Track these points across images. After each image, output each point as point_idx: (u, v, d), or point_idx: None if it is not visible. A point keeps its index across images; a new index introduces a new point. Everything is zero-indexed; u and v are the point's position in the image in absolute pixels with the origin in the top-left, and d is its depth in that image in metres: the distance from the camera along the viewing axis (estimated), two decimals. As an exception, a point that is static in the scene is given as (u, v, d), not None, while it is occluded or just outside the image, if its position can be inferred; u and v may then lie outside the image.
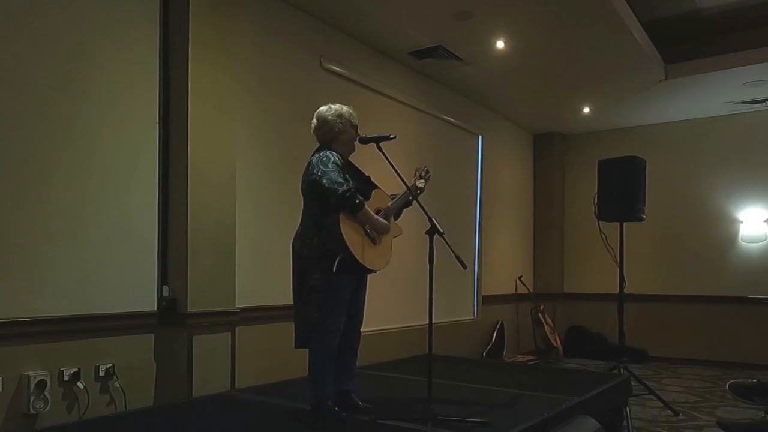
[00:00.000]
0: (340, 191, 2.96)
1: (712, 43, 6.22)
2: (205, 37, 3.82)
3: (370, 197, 3.21)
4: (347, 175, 3.08)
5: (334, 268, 3.01)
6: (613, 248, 5.22)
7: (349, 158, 3.32)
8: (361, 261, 3.05)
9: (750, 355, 7.29)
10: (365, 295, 3.39)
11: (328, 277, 3.05)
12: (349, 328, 3.27)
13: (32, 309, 3.12)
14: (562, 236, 8.94)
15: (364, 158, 3.44)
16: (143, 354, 3.65)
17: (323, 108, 3.30)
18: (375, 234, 3.16)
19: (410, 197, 3.31)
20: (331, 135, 3.23)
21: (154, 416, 3.33)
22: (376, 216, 3.14)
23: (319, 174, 3.02)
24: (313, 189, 3.09)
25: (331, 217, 3.03)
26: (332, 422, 3.08)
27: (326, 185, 2.98)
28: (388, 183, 3.41)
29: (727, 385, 4.20)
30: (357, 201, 3.01)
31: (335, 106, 3.29)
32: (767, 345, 7.17)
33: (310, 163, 3.17)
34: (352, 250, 3.01)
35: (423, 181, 3.41)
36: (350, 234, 3.03)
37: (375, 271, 3.25)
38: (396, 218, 3.42)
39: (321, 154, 3.14)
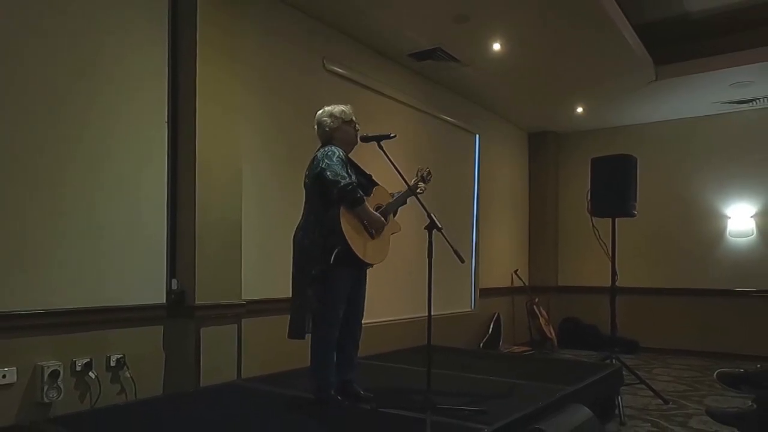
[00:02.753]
0: (342, 183, 2.97)
1: (701, 46, 6.20)
2: (211, 39, 3.81)
3: (371, 193, 3.21)
4: (350, 170, 3.10)
5: (332, 259, 3.01)
6: (605, 243, 5.20)
7: (352, 157, 3.31)
8: (359, 255, 3.05)
9: (737, 346, 7.28)
10: (365, 289, 3.39)
11: (328, 269, 3.05)
12: (350, 320, 3.27)
13: (46, 301, 3.11)
14: (556, 231, 8.93)
15: (366, 157, 3.44)
16: (153, 345, 3.64)
17: (319, 111, 3.35)
18: (373, 229, 3.15)
19: (410, 195, 3.27)
20: (327, 135, 3.28)
21: (163, 405, 3.32)
22: (374, 212, 3.14)
23: (323, 166, 3.04)
24: (316, 182, 3.10)
25: (331, 210, 3.03)
26: (334, 410, 3.07)
27: (330, 177, 2.99)
28: (388, 181, 3.40)
29: (715, 374, 4.19)
30: (358, 195, 3.01)
31: (329, 108, 3.32)
32: (753, 336, 7.16)
33: (315, 158, 3.18)
34: (350, 243, 3.01)
35: (423, 184, 3.37)
36: (349, 228, 3.03)
37: (372, 265, 3.25)
38: (394, 216, 3.41)
39: (326, 148, 3.17)
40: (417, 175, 3.38)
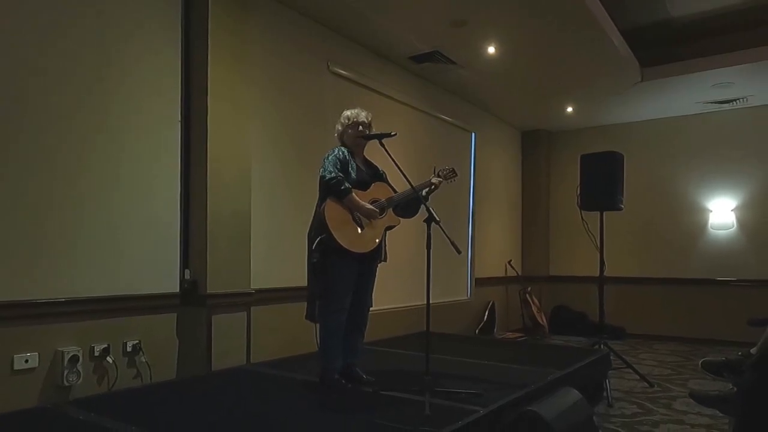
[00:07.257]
0: (327, 178, 3.06)
1: (684, 49, 6.17)
2: (223, 43, 3.78)
3: (368, 189, 3.21)
4: (341, 167, 3.13)
5: (314, 246, 3.05)
6: (594, 235, 5.18)
7: (367, 156, 3.38)
8: (340, 242, 3.02)
9: (718, 332, 7.26)
10: (373, 282, 3.35)
11: (325, 258, 3.06)
12: (356, 310, 3.25)
13: (66, 290, 3.11)
14: (548, 224, 8.89)
15: (370, 155, 3.42)
16: (167, 331, 3.63)
17: None
18: (363, 220, 3.13)
19: (413, 195, 3.21)
20: (339, 139, 3.35)
21: (177, 388, 3.30)
22: (362, 202, 3.12)
23: (321, 166, 3.14)
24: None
25: (322, 203, 3.09)
26: (337, 393, 3.06)
27: (320, 174, 3.12)
28: (392, 177, 3.37)
29: (700, 363, 4.17)
30: (342, 187, 3.04)
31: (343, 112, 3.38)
32: (733, 323, 7.10)
33: None
34: (332, 231, 3.01)
35: (439, 178, 3.36)
36: (333, 217, 3.04)
37: (378, 260, 3.27)
38: (409, 211, 3.36)
39: (330, 150, 3.21)
40: (434, 173, 3.35)
